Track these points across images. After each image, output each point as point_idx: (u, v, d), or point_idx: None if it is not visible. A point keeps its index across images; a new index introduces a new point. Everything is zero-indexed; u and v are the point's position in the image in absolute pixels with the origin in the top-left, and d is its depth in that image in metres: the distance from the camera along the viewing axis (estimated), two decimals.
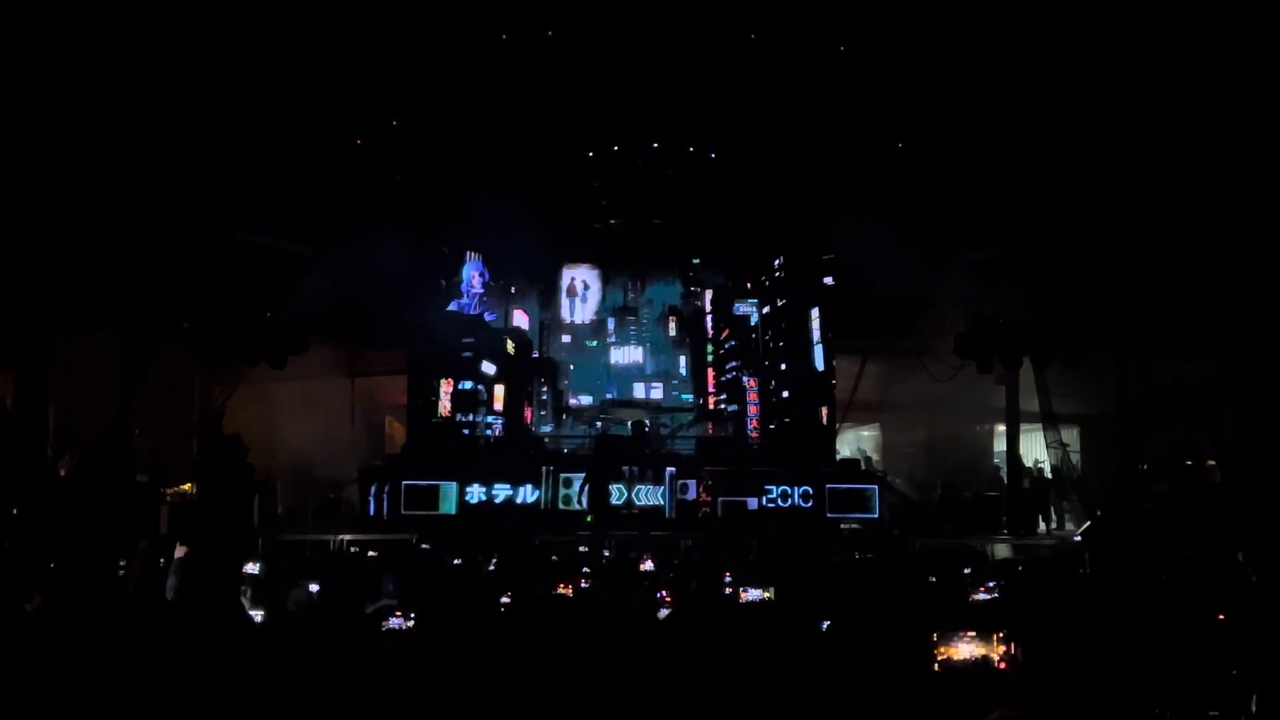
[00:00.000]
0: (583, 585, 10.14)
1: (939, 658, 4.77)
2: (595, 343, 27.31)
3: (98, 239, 17.52)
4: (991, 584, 9.22)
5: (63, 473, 18.72)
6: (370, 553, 16.01)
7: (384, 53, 20.81)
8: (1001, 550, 20.40)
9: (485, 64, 20.83)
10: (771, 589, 8.12)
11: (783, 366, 26.91)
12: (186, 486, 21.98)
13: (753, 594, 7.89)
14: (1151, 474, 19.20)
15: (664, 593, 9.06)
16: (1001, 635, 4.76)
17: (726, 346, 27.30)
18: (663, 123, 22.89)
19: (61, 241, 17.50)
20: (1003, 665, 4.82)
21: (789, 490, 22.58)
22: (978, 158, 22.24)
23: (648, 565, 13.75)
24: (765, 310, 27.13)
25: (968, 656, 4.78)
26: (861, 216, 22.86)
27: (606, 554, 15.67)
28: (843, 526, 22.05)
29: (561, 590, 8.28)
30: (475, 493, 22.44)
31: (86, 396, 20.13)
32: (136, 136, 17.68)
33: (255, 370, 23.41)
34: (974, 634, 4.78)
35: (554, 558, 14.84)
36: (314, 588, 11.05)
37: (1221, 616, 7.13)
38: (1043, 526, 23.05)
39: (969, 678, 4.81)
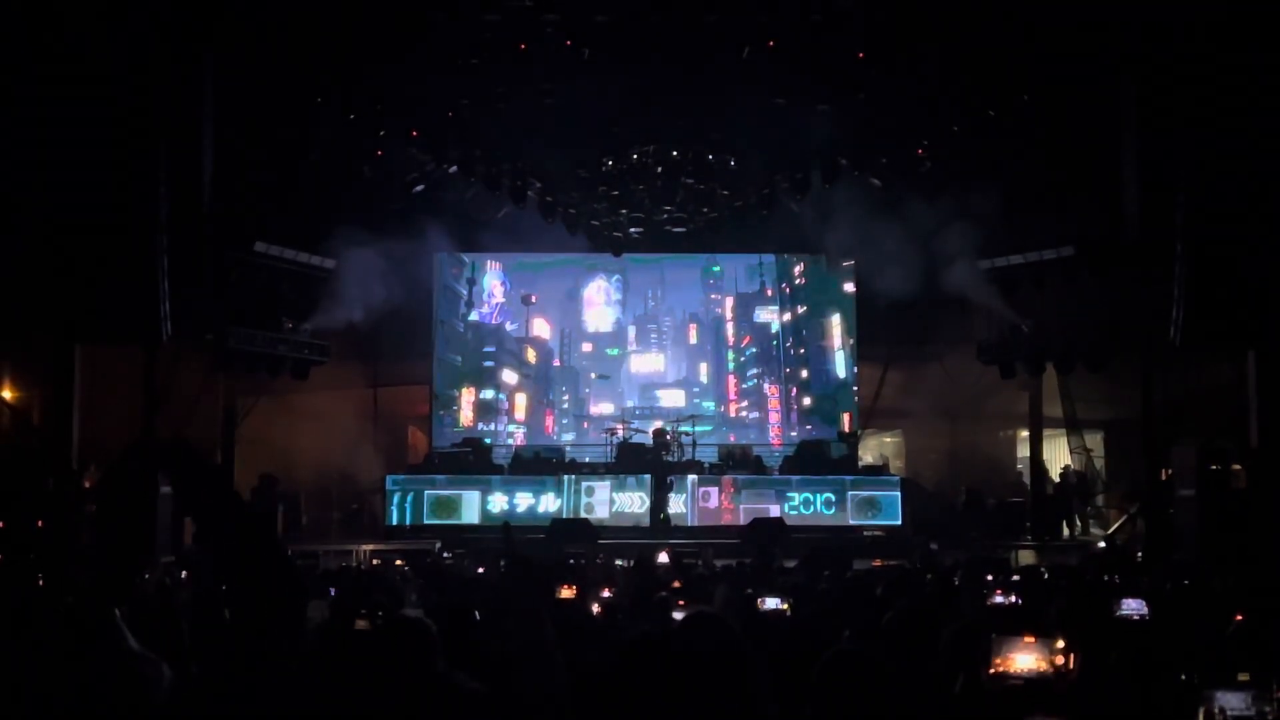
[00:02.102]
0: (605, 594, 10.13)
1: (995, 668, 4.19)
2: (616, 351, 27.30)
3: (122, 253, 17.60)
4: (1013, 595, 9.13)
5: (87, 485, 18.81)
6: (397, 561, 16.04)
7: (404, 63, 20.90)
8: (1026, 556, 20.32)
9: (505, 73, 20.88)
10: (790, 600, 8.06)
11: (804, 373, 26.87)
12: None
13: (771, 603, 7.82)
14: (1176, 479, 19.08)
15: (680, 601, 9.04)
16: (1062, 645, 4.19)
17: (747, 354, 27.27)
18: (682, 130, 22.87)
19: (86, 256, 17.59)
20: (1059, 675, 4.21)
21: (811, 497, 22.54)
22: (1001, 164, 22.20)
23: (663, 558, 13.73)
24: (786, 317, 27.09)
25: (1025, 669, 4.16)
26: (883, 221, 22.85)
27: (620, 562, 15.66)
28: (865, 534, 22.00)
29: (566, 593, 8.22)
30: (496, 502, 22.49)
31: (111, 410, 20.22)
32: (157, 150, 17.78)
33: (278, 382, 23.52)
34: (1032, 640, 4.15)
35: (570, 562, 14.85)
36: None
37: (1239, 617, 7.10)
38: (1066, 532, 22.96)
39: (1028, 696, 4.18)
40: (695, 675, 2.49)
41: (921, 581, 11.21)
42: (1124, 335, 21.90)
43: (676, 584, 9.34)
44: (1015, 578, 12.77)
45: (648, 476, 22.49)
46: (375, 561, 15.82)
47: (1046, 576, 11.90)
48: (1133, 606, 7.21)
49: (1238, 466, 18.77)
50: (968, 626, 4.50)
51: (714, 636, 2.57)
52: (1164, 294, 18.82)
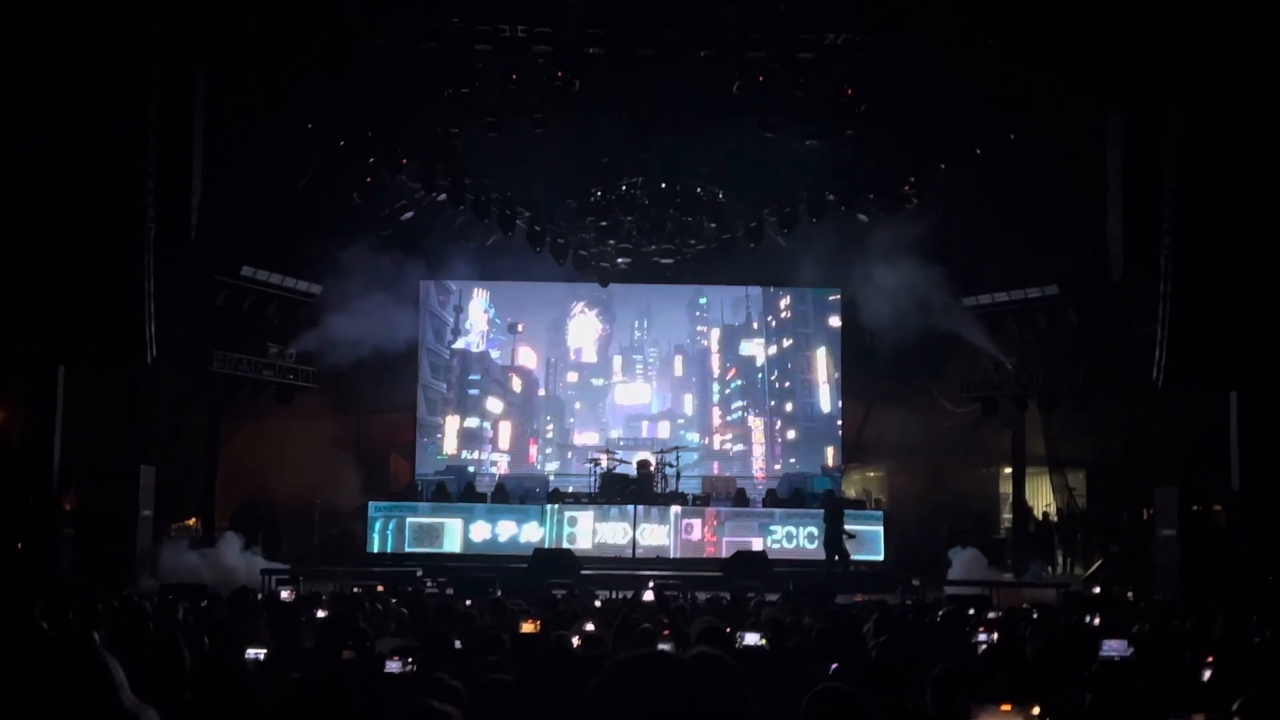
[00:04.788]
0: (588, 628, 10.11)
1: None
2: (601, 381, 27.30)
3: (108, 275, 17.57)
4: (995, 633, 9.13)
5: (68, 508, 18.71)
6: (378, 588, 15.96)
7: (395, 91, 20.97)
8: (1007, 593, 20.29)
9: (496, 103, 20.96)
10: (768, 635, 8.05)
11: (789, 407, 26.92)
12: (192, 521, 22.00)
13: (750, 639, 7.78)
14: (1158, 519, 19.14)
15: (666, 632, 9.03)
16: (1038, 712, 4.11)
17: (732, 386, 27.31)
18: (671, 163, 22.97)
19: (72, 277, 17.56)
20: None
21: (794, 531, 22.54)
22: (986, 201, 22.35)
23: (648, 596, 13.70)
24: (772, 350, 27.15)
25: None
26: (868, 257, 22.97)
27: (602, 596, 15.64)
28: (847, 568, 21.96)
29: (528, 628, 8.15)
30: (479, 531, 22.44)
31: (92, 432, 20.14)
32: (145, 172, 17.77)
33: (262, 406, 23.48)
34: (1009, 708, 4.02)
35: (556, 594, 14.82)
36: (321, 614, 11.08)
37: (1211, 659, 7.13)
38: (1048, 570, 22.97)
39: None
40: (696, 703, 2.50)
41: (905, 618, 11.21)
42: (1107, 375, 22.04)
43: (666, 619, 9.30)
44: (993, 615, 12.80)
45: (630, 507, 22.48)
46: (355, 589, 15.71)
47: (1035, 616, 11.87)
48: (1114, 648, 7.22)
49: (1219, 508, 18.86)
50: (950, 670, 4.50)
51: (720, 673, 2.59)
52: (1147, 334, 18.94)
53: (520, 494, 23.72)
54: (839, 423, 26.51)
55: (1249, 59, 17.80)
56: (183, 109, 18.87)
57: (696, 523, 22.67)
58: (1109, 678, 5.69)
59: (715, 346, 27.50)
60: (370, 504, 22.83)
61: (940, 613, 12.77)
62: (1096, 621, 12.29)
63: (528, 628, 8.08)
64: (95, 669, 3.32)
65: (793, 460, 26.52)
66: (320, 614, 11.08)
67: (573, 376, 27.39)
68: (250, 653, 7.32)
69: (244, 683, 6.01)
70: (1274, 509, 18.07)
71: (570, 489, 24.34)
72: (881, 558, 22.14)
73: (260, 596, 14.06)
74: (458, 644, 8.03)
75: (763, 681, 5.64)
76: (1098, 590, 18.54)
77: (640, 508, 22.58)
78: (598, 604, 14.24)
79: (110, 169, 17.56)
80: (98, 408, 20.61)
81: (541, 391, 27.32)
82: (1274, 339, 18.22)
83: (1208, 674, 6.47)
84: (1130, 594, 17.95)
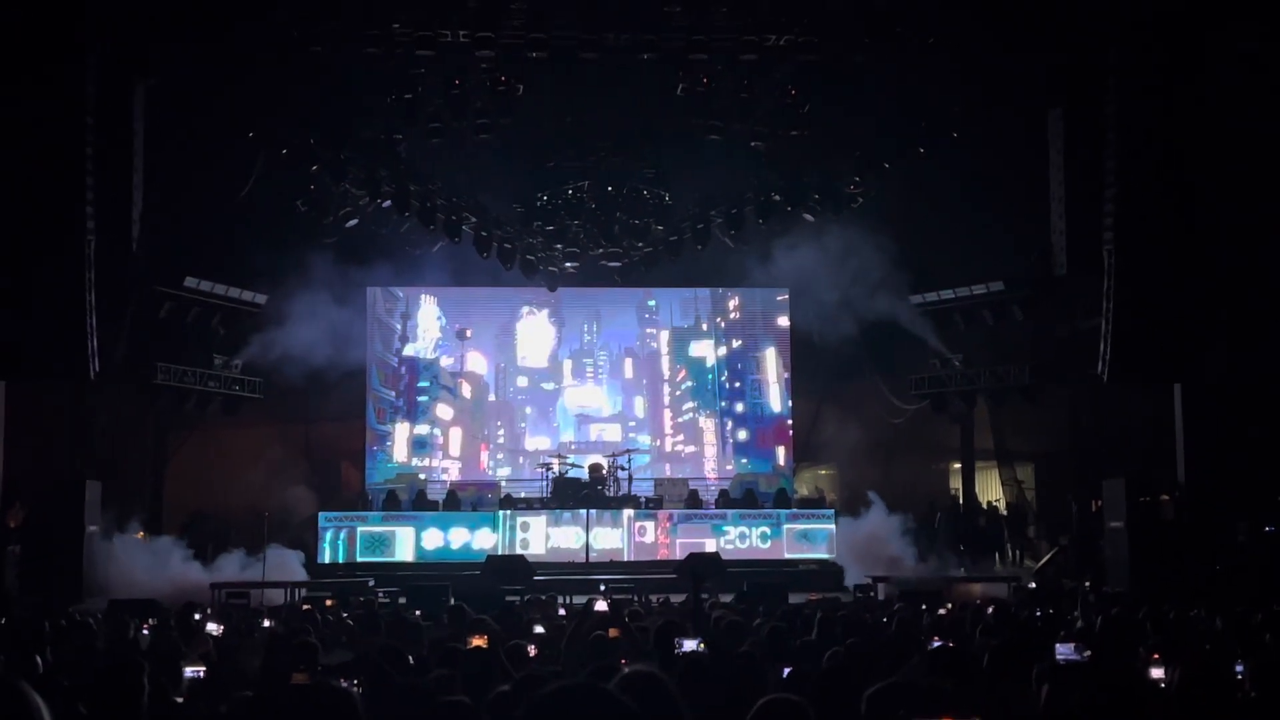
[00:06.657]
0: (539, 630, 10.06)
1: None
2: (552, 385, 27.23)
3: (49, 289, 17.33)
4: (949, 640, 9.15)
5: (12, 525, 18.44)
6: (328, 601, 15.76)
7: (338, 98, 20.85)
8: (958, 587, 20.42)
9: (440, 108, 20.88)
10: (708, 639, 8.03)
11: (739, 407, 26.96)
12: (141, 535, 21.72)
13: (689, 645, 7.73)
14: (1106, 511, 19.34)
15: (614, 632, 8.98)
16: None
17: (683, 388, 27.32)
18: (616, 166, 22.96)
19: (12, 291, 17.30)
20: None
21: (747, 530, 22.56)
22: (932, 200, 22.50)
23: (601, 605, 13.62)
24: (721, 351, 27.18)
25: None
26: (816, 256, 23.06)
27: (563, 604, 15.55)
28: (800, 567, 22.04)
29: (478, 642, 8.01)
30: (431, 539, 22.30)
31: (36, 446, 19.85)
32: (85, 184, 17.53)
33: (209, 418, 23.25)
34: None
35: (513, 600, 14.70)
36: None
37: (1157, 655, 7.18)
38: (999, 563, 23.14)
39: None
40: None
41: (860, 619, 11.23)
42: (1053, 369, 22.26)
43: (614, 632, 9.23)
44: (943, 611, 12.90)
45: (583, 511, 22.43)
46: (305, 607, 15.53)
47: (991, 612, 11.92)
48: (1065, 652, 7.22)
49: (1166, 498, 19.08)
50: (884, 688, 4.48)
51: (651, 696, 2.57)
52: (1091, 329, 19.14)
53: (472, 501, 23.60)
54: (790, 422, 26.59)
55: (1187, 54, 18.04)
56: (121, 119, 18.66)
57: (650, 525, 22.64)
58: (1061, 681, 5.71)
59: (665, 349, 27.48)
60: (321, 514, 22.61)
61: (896, 606, 12.86)
62: (1051, 613, 12.42)
63: (477, 642, 7.95)
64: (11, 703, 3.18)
65: (744, 460, 26.56)
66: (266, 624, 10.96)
67: (523, 381, 27.27)
68: (189, 671, 7.02)
69: (180, 705, 5.91)
70: (1219, 498, 18.32)
71: (522, 494, 24.26)
72: (834, 555, 22.17)
73: (210, 611, 13.90)
74: (410, 659, 7.93)
75: (704, 689, 5.58)
76: (1033, 585, 18.72)
77: (593, 512, 22.54)
78: (561, 611, 14.11)
79: (49, 181, 17.32)
80: (41, 422, 20.32)
81: (491, 397, 27.19)
82: (1215, 331, 18.48)
83: (1157, 671, 6.50)
84: (1088, 584, 18.12)
